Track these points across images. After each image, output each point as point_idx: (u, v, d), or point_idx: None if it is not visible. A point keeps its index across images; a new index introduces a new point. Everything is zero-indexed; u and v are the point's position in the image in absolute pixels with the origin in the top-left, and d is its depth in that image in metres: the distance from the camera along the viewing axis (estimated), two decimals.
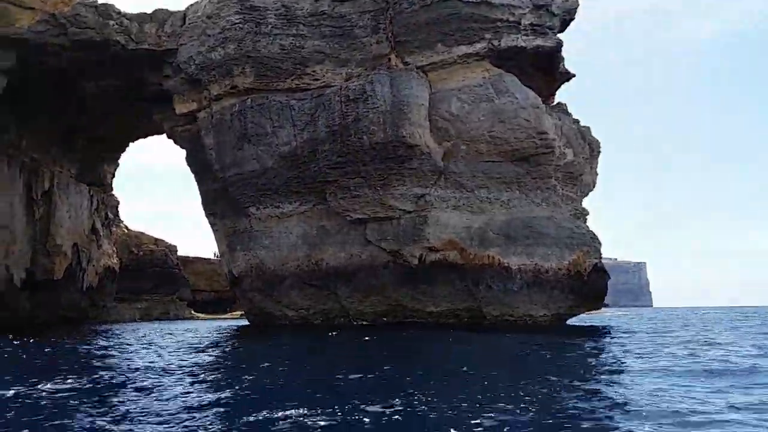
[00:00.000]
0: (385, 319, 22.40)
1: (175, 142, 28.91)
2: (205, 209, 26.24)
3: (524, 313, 20.50)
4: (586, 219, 22.39)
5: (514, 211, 21.24)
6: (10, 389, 7.82)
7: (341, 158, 21.56)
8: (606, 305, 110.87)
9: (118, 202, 41.09)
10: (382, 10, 22.71)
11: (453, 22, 21.42)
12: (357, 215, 22.01)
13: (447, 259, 20.96)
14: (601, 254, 21.05)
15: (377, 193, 21.45)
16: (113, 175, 39.09)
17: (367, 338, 16.39)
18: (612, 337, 16.89)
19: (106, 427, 5.75)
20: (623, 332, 19.58)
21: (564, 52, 23.06)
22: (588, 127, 25.04)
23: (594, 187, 24.94)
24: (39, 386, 8.08)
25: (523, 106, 20.98)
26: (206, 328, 30.17)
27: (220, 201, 25.23)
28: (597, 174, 25.10)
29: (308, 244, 23.14)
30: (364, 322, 22.57)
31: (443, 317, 21.56)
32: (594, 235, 21.09)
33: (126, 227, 50.76)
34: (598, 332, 19.67)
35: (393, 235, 21.62)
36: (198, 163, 26.12)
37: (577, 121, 24.51)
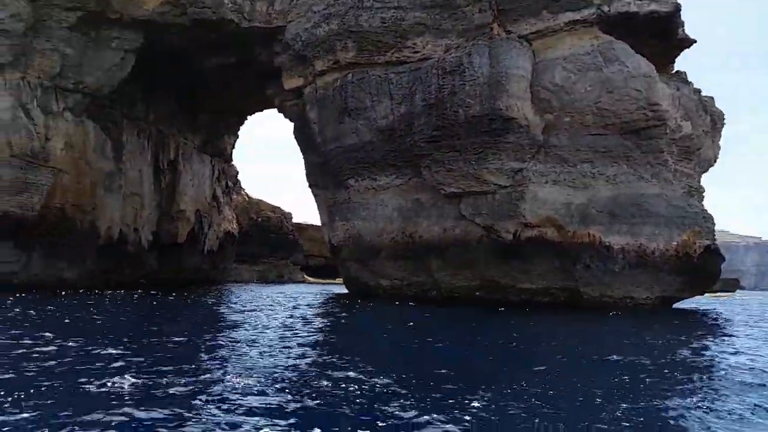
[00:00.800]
0: (477, 293, 22.19)
1: (285, 116, 30.15)
2: (308, 180, 27.26)
3: (624, 294, 19.40)
4: (701, 197, 20.52)
5: (620, 187, 19.96)
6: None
7: (436, 132, 21.34)
8: (741, 287, 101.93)
9: (237, 172, 43.73)
10: None
11: None
12: (451, 189, 21.80)
13: (544, 236, 20.23)
14: (714, 235, 19.30)
15: (472, 167, 21.06)
16: (233, 146, 41.67)
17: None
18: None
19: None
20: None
21: (684, 16, 21.04)
22: (711, 98, 22.79)
23: (715, 162, 22.78)
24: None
25: (634, 75, 19.46)
26: (312, 291, 31.77)
27: (322, 173, 26.07)
28: (719, 148, 22.86)
29: (403, 216, 23.34)
30: (456, 296, 22.53)
31: (538, 295, 20.97)
32: (708, 214, 19.37)
33: (247, 195, 54.04)
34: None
35: (488, 210, 21.20)
36: (303, 137, 27.08)
37: (698, 91, 22.36)
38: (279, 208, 54.42)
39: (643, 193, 19.54)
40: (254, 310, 17.12)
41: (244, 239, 50.02)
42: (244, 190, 52.72)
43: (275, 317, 14.60)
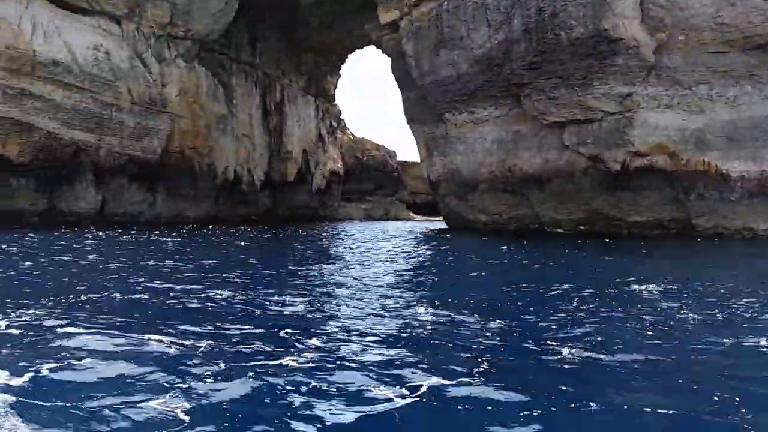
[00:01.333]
0: (582, 227, 21.50)
1: (383, 51, 30.00)
2: (406, 116, 27.23)
3: (743, 225, 17.94)
4: None
5: (742, 108, 18.12)
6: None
7: (537, 58, 20.33)
8: None
9: (340, 111, 44.54)
10: None
11: None
12: (553, 118, 20.91)
13: (655, 165, 19.01)
14: None
15: (576, 93, 19.98)
16: (335, 86, 42.32)
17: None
18: None
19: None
20: None
21: None
22: None
23: None
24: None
25: None
26: (415, 228, 32.34)
27: (419, 108, 25.91)
28: None
29: (503, 149, 22.84)
30: (559, 230, 21.97)
31: (648, 228, 19.92)
32: None
33: (352, 134, 55.05)
34: None
35: (593, 138, 20.17)
36: (400, 72, 26.89)
37: None
38: (383, 146, 55.03)
39: (767, 115, 17.64)
40: (352, 245, 17.79)
41: (350, 178, 51.40)
42: (348, 129, 53.69)
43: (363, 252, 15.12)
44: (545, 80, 20.60)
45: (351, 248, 16.39)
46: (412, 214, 53.92)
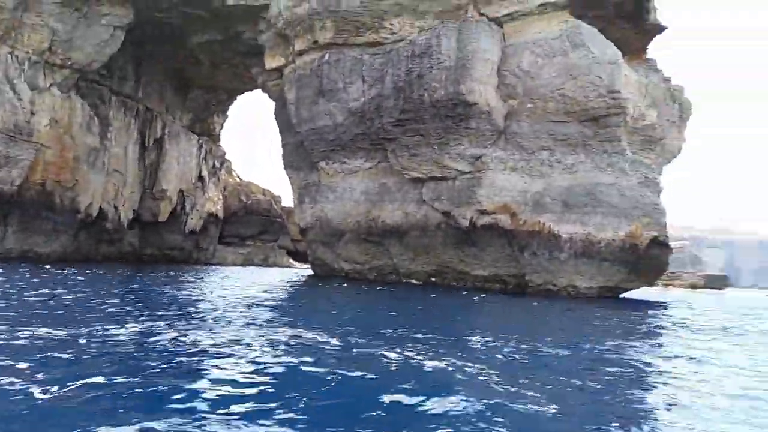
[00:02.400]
0: (433, 279, 22.40)
1: (269, 96, 30.41)
2: (283, 162, 27.49)
3: (568, 283, 19.52)
4: (658, 189, 20.44)
5: (577, 176, 20.03)
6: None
7: (402, 115, 21.53)
8: (730, 285, 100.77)
9: (224, 152, 44.04)
10: None
11: None
12: (415, 174, 22.01)
13: (498, 223, 20.37)
14: (664, 227, 19.34)
15: (434, 152, 21.26)
16: (222, 126, 42.04)
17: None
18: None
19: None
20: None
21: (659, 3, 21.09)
22: (681, 87, 22.80)
23: (679, 152, 22.75)
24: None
25: (599, 62, 19.47)
26: (288, 275, 32.12)
27: (296, 154, 26.32)
28: (684, 140, 22.89)
29: (369, 200, 23.57)
30: (413, 281, 22.74)
31: (490, 281, 21.14)
32: (659, 206, 19.40)
33: (238, 176, 54.44)
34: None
35: (447, 195, 21.39)
36: (281, 117, 27.32)
37: (668, 80, 22.40)
38: (269, 190, 54.70)
39: (597, 182, 19.60)
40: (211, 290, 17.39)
41: (233, 220, 50.46)
42: (235, 171, 53.14)
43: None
44: (409, 137, 21.76)
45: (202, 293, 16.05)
46: (292, 261, 53.53)
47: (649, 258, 19.41)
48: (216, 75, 35.23)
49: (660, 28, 21.44)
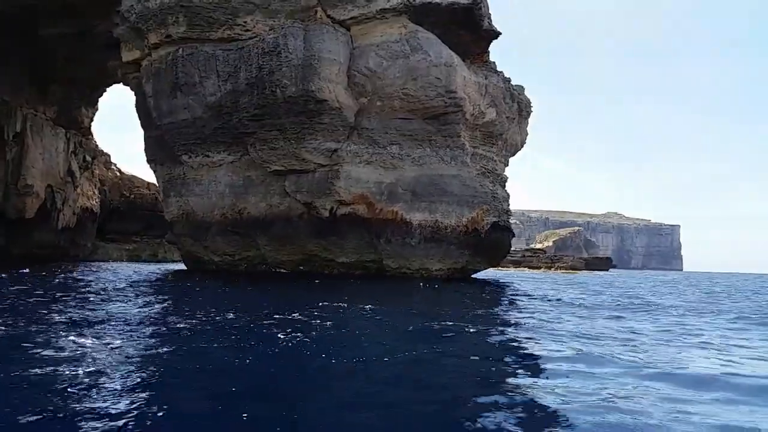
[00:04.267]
0: (301, 267, 23.28)
1: (131, 89, 29.69)
2: (146, 155, 27.14)
3: (420, 266, 21.08)
4: (500, 178, 22.44)
5: (424, 168, 21.52)
6: None
7: (258, 111, 22.00)
8: (614, 266, 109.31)
9: (96, 145, 42.37)
10: None
11: None
12: (275, 167, 22.63)
13: (356, 212, 21.52)
14: (504, 212, 21.31)
15: (292, 146, 21.95)
16: (91, 119, 40.29)
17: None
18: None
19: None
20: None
21: (494, 9, 22.72)
22: (521, 87, 24.80)
23: (522, 146, 24.89)
24: None
25: (436, 64, 20.93)
26: (163, 269, 31.77)
27: (158, 148, 26.06)
28: (527, 134, 24.99)
29: (234, 193, 23.95)
30: (283, 270, 23.51)
31: (353, 268, 22.33)
32: (497, 194, 21.34)
33: (119, 170, 52.39)
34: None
35: (307, 187, 22.22)
36: (142, 110, 26.83)
37: (507, 80, 24.28)
38: (154, 184, 53.10)
39: (442, 174, 21.19)
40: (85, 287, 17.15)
41: (116, 216, 48.72)
42: (115, 165, 51.11)
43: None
44: (267, 132, 22.29)
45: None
46: None
47: (491, 241, 21.27)
48: (74, 68, 33.79)
49: (495, 34, 23.15)
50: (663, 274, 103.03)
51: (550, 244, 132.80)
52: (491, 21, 22.92)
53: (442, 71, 20.82)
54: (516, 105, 24.24)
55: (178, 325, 8.23)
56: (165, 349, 6.43)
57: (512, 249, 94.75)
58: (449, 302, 13.11)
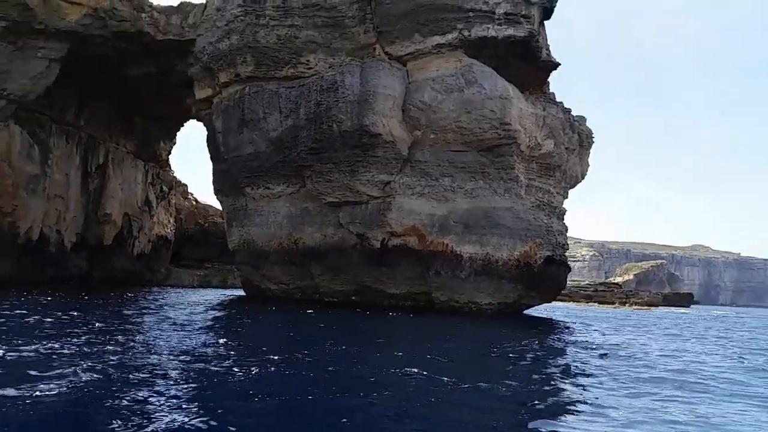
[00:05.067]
0: (354, 298, 23.52)
1: (203, 125, 31.48)
2: (214, 187, 28.50)
3: (469, 300, 20.81)
4: (557, 211, 21.96)
5: (477, 200, 21.43)
6: None
7: (315, 144, 22.73)
8: (696, 302, 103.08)
9: (173, 177, 44.82)
10: (367, 0, 23.41)
11: (427, 12, 21.75)
12: (330, 198, 23.18)
13: (407, 244, 21.64)
14: (560, 246, 20.78)
15: (346, 178, 22.46)
16: (169, 152, 42.83)
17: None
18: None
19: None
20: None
21: (552, 41, 22.63)
22: (582, 117, 24.38)
23: (583, 178, 24.33)
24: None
25: (491, 97, 20.98)
26: (227, 294, 32.95)
27: (225, 180, 27.36)
28: (588, 165, 24.43)
29: (291, 224, 24.68)
30: (335, 300, 23.85)
31: (403, 299, 22.36)
32: (553, 227, 20.88)
33: (195, 199, 55.14)
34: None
35: (360, 218, 22.59)
36: (212, 145, 28.38)
37: (567, 111, 23.94)
38: None
39: (495, 206, 21.01)
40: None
41: (190, 243, 51.10)
42: (192, 194, 53.83)
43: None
44: (323, 164, 22.96)
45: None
46: None
47: (545, 275, 20.76)
48: (157, 104, 36.19)
49: (554, 65, 22.99)
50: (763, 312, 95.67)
51: (631, 277, 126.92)
52: (549, 52, 22.81)
53: (496, 104, 20.84)
54: (576, 136, 23.82)
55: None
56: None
57: (587, 283, 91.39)
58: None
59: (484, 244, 20.76)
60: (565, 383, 8.10)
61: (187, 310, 17.80)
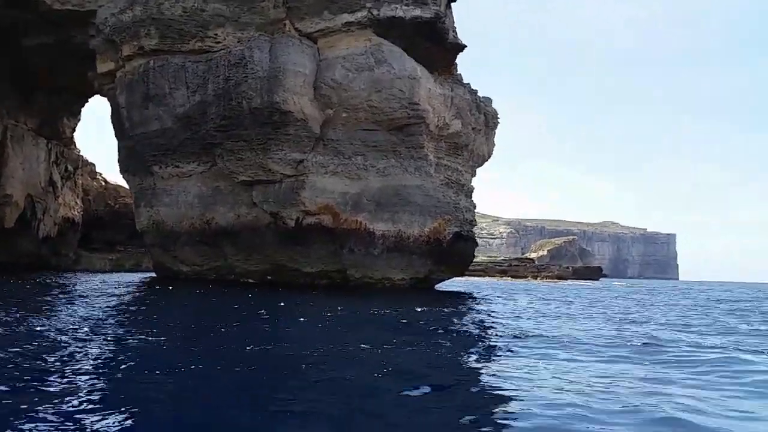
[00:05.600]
0: (269, 278, 23.41)
1: (107, 100, 29.97)
2: (120, 166, 27.34)
3: (383, 276, 21.24)
4: (465, 188, 22.64)
5: (388, 178, 21.73)
6: None
7: (225, 121, 22.23)
8: (605, 275, 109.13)
9: (78, 156, 42.52)
10: None
11: None
12: (243, 177, 22.81)
13: (321, 222, 21.69)
14: (467, 223, 21.50)
15: (258, 156, 22.16)
16: (74, 129, 40.52)
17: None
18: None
19: None
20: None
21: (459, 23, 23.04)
22: (488, 98, 25.07)
23: (489, 157, 25.13)
24: None
25: (399, 77, 21.20)
26: (136, 278, 31.88)
27: (131, 159, 26.28)
28: (494, 144, 25.23)
29: (203, 204, 24.11)
30: (250, 280, 23.65)
31: (318, 277, 22.47)
32: (460, 204, 21.54)
33: (104, 180, 52.56)
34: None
35: (274, 197, 22.39)
36: (116, 121, 27.12)
37: (474, 92, 24.56)
38: None
39: (406, 184, 21.40)
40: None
41: (100, 226, 48.79)
42: (100, 174, 51.30)
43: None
44: (234, 142, 22.51)
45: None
46: None
47: (454, 251, 21.42)
48: (54, 78, 34.10)
49: (460, 47, 23.46)
50: (662, 283, 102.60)
51: (545, 253, 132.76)
52: (456, 34, 23.24)
53: (405, 83, 21.09)
54: (482, 116, 24.50)
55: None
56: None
57: (502, 258, 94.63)
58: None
59: (396, 222, 21.14)
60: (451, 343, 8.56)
61: (93, 295, 17.14)
